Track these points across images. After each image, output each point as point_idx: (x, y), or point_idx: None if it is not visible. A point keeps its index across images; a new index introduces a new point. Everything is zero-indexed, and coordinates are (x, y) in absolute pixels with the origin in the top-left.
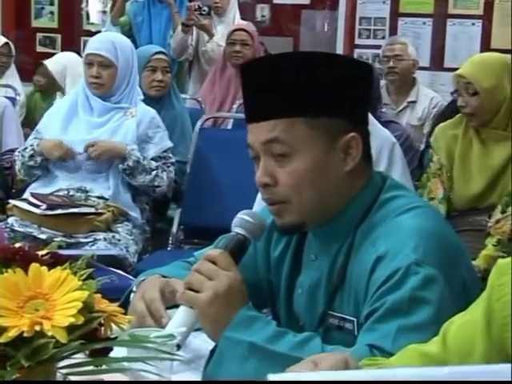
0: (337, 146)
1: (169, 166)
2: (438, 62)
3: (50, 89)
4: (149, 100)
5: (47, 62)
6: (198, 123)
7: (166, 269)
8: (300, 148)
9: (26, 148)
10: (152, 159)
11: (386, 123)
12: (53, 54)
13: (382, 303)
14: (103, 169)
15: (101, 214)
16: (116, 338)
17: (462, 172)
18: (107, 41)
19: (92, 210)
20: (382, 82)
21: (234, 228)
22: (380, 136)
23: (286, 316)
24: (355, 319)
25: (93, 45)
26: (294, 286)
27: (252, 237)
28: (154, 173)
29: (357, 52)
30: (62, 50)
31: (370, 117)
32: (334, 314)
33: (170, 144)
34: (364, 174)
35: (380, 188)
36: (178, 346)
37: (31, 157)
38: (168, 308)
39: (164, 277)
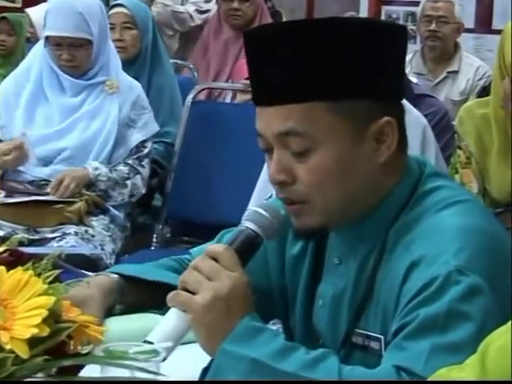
0: (367, 133)
1: (142, 161)
2: (484, 22)
3: (18, 52)
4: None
5: (29, 12)
6: (190, 95)
7: (147, 267)
8: (322, 140)
9: None
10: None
11: (418, 97)
12: (13, 10)
13: (414, 317)
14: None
15: (72, 203)
16: (88, 353)
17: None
18: (73, 13)
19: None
20: (416, 47)
21: (245, 222)
22: (408, 118)
23: (302, 332)
24: (382, 337)
25: (56, 23)
26: (314, 295)
27: (265, 235)
28: (128, 182)
29: (385, 9)
30: (24, 5)
31: None
32: (359, 331)
33: (155, 128)
34: (399, 164)
35: (417, 178)
36: (164, 359)
37: None
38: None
39: (135, 279)
